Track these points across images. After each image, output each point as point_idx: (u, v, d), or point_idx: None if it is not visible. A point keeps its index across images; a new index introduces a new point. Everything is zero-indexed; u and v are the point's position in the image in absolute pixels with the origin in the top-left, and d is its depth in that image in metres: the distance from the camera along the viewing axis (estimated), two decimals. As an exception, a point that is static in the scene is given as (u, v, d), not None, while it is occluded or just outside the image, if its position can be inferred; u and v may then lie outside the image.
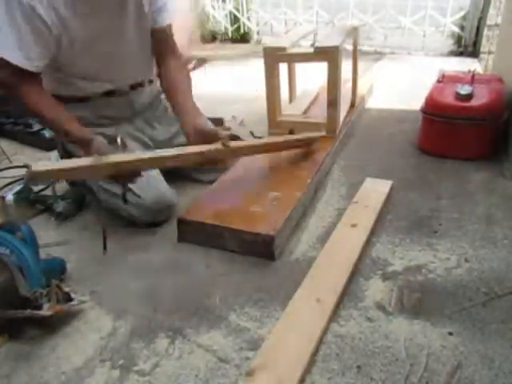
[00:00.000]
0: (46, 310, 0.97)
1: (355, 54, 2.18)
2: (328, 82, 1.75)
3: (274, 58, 1.77)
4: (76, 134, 1.26)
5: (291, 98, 2.25)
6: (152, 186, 1.38)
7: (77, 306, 1.05)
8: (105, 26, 1.30)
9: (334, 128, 1.82)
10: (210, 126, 1.41)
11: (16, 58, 1.20)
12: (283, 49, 1.75)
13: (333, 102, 1.77)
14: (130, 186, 1.30)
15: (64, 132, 1.28)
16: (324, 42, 1.78)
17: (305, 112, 2.08)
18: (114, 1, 1.29)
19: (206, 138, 1.31)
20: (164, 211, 1.40)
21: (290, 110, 2.07)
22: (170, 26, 1.46)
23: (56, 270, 1.16)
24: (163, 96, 1.61)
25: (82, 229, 1.42)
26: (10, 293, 0.97)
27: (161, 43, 1.46)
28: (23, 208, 1.48)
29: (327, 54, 1.68)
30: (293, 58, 1.92)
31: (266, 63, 1.79)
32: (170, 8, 1.42)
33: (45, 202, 1.50)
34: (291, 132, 1.89)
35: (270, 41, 1.89)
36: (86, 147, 1.22)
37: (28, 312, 0.96)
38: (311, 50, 1.73)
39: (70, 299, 1.04)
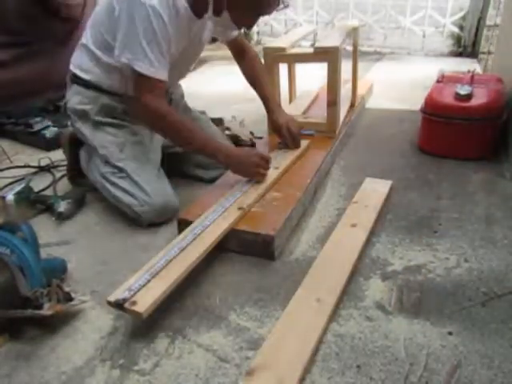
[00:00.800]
0: (47, 310, 0.97)
1: (355, 54, 2.18)
2: (328, 82, 1.75)
3: (273, 58, 1.77)
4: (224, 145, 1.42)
5: (291, 98, 2.26)
6: (161, 187, 1.40)
7: (77, 305, 1.05)
8: (186, 49, 1.40)
9: (334, 128, 1.82)
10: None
11: (158, 73, 1.26)
12: (283, 49, 1.75)
13: (333, 102, 1.77)
14: (142, 183, 1.37)
15: (214, 148, 1.37)
16: (324, 42, 1.78)
17: (305, 112, 2.08)
18: (200, 34, 1.41)
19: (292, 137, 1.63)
20: (168, 213, 1.41)
21: (290, 110, 2.07)
22: (239, 34, 1.62)
23: (57, 269, 1.16)
24: (173, 96, 1.65)
25: (83, 228, 1.42)
26: (10, 293, 0.97)
27: (235, 48, 1.66)
28: (24, 208, 1.48)
29: (327, 54, 1.68)
30: (293, 58, 1.92)
31: (266, 63, 1.79)
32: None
33: (45, 201, 1.50)
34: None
35: (269, 41, 1.88)
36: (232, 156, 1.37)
37: (29, 312, 0.96)
38: (311, 50, 1.73)
39: (70, 299, 1.04)
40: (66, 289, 1.04)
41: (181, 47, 1.35)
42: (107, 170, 1.42)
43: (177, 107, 1.63)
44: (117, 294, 0.98)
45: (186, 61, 1.49)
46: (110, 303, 0.97)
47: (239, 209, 1.28)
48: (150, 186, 1.37)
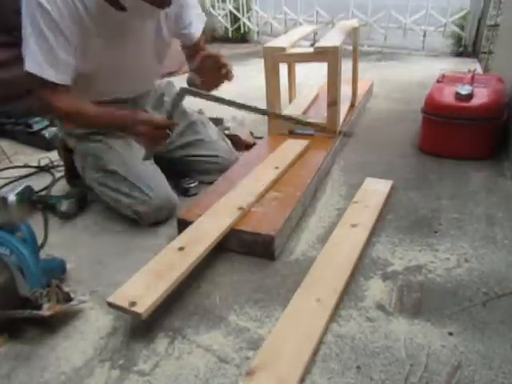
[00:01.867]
0: (46, 310, 0.97)
1: (355, 54, 2.18)
2: (328, 82, 1.75)
3: (274, 58, 1.77)
4: (121, 112, 1.29)
5: (291, 98, 2.25)
6: (158, 184, 1.39)
7: (77, 305, 1.05)
8: (121, 44, 1.32)
9: (334, 128, 1.82)
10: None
11: (48, 74, 1.20)
12: (283, 49, 1.75)
13: (333, 102, 1.77)
14: (137, 182, 1.37)
15: (110, 117, 1.30)
16: (324, 42, 1.78)
17: (305, 112, 2.08)
18: (134, 26, 1.31)
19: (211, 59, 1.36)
20: (168, 210, 1.41)
21: (290, 110, 2.07)
22: (199, 38, 1.50)
23: (56, 270, 1.16)
24: (166, 98, 1.64)
25: (83, 228, 1.42)
26: (9, 293, 0.97)
27: (192, 52, 1.50)
28: (25, 208, 1.48)
29: (327, 54, 1.68)
30: (293, 58, 1.92)
31: (266, 63, 1.79)
32: (197, 24, 1.47)
33: (47, 202, 1.50)
34: (291, 132, 1.90)
35: (269, 41, 1.88)
36: (135, 122, 1.25)
37: (28, 312, 0.96)
38: (311, 50, 1.73)
39: (69, 299, 1.04)
40: (66, 289, 1.04)
41: (107, 38, 1.27)
42: (101, 174, 1.42)
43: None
44: (117, 295, 0.98)
45: (134, 60, 1.39)
46: (110, 304, 0.97)
47: (239, 209, 1.28)
48: (146, 184, 1.37)
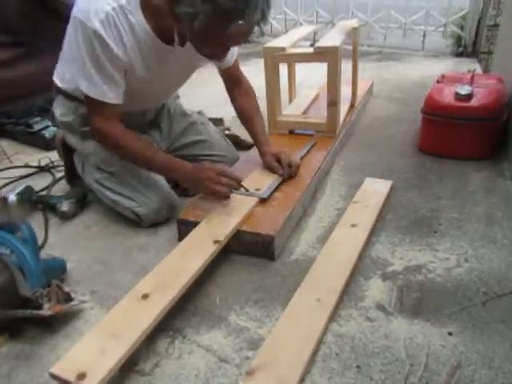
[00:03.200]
0: (46, 311, 0.97)
1: (355, 54, 2.18)
2: (328, 82, 1.75)
3: (274, 58, 1.77)
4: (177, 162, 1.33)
5: (291, 98, 2.25)
6: (157, 186, 1.39)
7: (77, 305, 1.05)
8: (161, 75, 1.33)
9: (334, 128, 1.82)
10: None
11: (109, 97, 1.22)
12: (283, 49, 1.75)
13: (333, 102, 1.77)
14: (137, 185, 1.38)
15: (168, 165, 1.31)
16: (324, 42, 1.78)
17: (305, 112, 2.08)
18: (179, 60, 1.32)
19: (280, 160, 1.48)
20: (168, 211, 1.41)
21: (290, 110, 2.07)
22: (235, 63, 1.52)
23: (56, 270, 1.16)
24: (170, 103, 1.64)
25: (83, 228, 1.42)
26: (10, 293, 0.97)
27: (228, 79, 1.54)
28: (25, 208, 1.48)
29: (327, 55, 1.68)
30: (293, 58, 1.92)
31: (266, 63, 1.79)
32: (232, 52, 1.46)
33: (47, 202, 1.50)
34: (291, 132, 1.90)
35: (269, 41, 1.88)
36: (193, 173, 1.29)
37: (28, 312, 0.96)
38: (311, 50, 1.73)
39: (70, 299, 1.04)
40: (66, 289, 1.04)
41: (150, 69, 1.28)
42: (101, 175, 1.41)
43: (169, 113, 1.62)
44: (62, 365, 0.82)
45: (165, 84, 1.42)
46: (53, 376, 0.81)
47: (215, 242, 1.17)
48: (145, 186, 1.38)
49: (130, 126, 1.46)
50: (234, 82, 1.54)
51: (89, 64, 1.18)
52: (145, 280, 1.04)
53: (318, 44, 1.74)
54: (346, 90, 2.06)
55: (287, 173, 1.46)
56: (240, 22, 1.04)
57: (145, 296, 0.98)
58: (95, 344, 0.86)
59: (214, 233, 1.20)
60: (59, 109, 1.44)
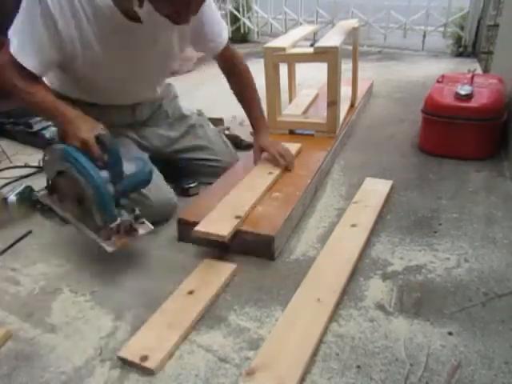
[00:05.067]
0: (110, 245, 1.09)
1: (355, 54, 2.18)
2: (328, 82, 1.75)
3: (274, 57, 1.77)
4: (66, 109, 1.20)
5: (291, 98, 2.25)
6: (156, 185, 1.39)
7: (142, 234, 1.15)
8: (128, 56, 1.30)
9: (334, 128, 1.82)
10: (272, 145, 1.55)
11: (30, 63, 1.16)
12: (283, 49, 1.75)
13: (333, 102, 1.77)
14: None
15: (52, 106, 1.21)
16: (324, 42, 1.78)
17: (305, 112, 2.08)
18: (146, 39, 1.27)
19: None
20: (166, 211, 1.41)
21: (290, 110, 2.07)
22: (227, 48, 1.48)
23: (140, 183, 1.21)
24: (165, 102, 1.62)
25: (82, 229, 1.42)
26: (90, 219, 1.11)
27: (223, 65, 1.52)
28: (26, 208, 1.48)
29: (327, 54, 1.68)
30: (293, 58, 1.92)
31: (266, 63, 1.79)
32: (219, 38, 1.44)
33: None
34: (291, 132, 1.90)
35: (270, 41, 1.88)
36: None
37: (98, 239, 1.11)
38: (311, 50, 1.73)
39: (135, 229, 1.14)
40: (136, 225, 1.15)
41: (109, 45, 1.23)
42: None
43: (167, 115, 1.61)
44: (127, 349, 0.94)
45: (137, 69, 1.36)
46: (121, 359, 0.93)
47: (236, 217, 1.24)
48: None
49: (121, 125, 1.46)
50: (229, 68, 1.53)
51: (21, 18, 1.15)
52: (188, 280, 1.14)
53: (318, 44, 1.74)
54: (346, 90, 2.06)
55: (283, 164, 1.51)
56: None
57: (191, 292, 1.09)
58: (153, 333, 0.98)
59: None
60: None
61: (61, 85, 1.38)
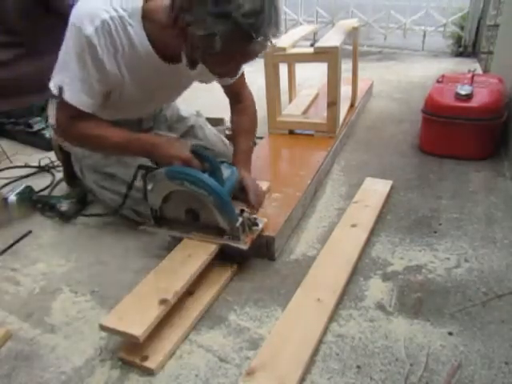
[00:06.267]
0: (244, 244, 1.12)
1: (355, 54, 2.18)
2: (328, 82, 1.75)
3: (273, 57, 1.77)
4: (148, 137, 1.23)
5: (291, 98, 2.25)
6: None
7: (261, 228, 1.18)
8: (155, 90, 1.29)
9: (334, 128, 1.82)
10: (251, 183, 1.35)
11: (89, 106, 1.15)
12: (283, 49, 1.75)
13: (333, 102, 1.77)
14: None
15: (134, 142, 1.20)
16: (324, 42, 1.78)
17: (305, 112, 2.08)
18: (178, 77, 1.24)
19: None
20: None
21: (289, 110, 2.07)
22: (239, 79, 1.41)
23: (235, 183, 1.22)
24: (168, 108, 1.62)
25: (83, 228, 1.42)
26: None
27: (231, 94, 1.46)
28: (26, 208, 1.48)
29: (327, 54, 1.68)
30: (293, 58, 1.92)
31: (266, 63, 1.78)
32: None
33: (47, 202, 1.50)
34: (291, 132, 1.89)
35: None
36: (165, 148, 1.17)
37: (232, 243, 1.13)
38: (311, 50, 1.73)
39: (256, 223, 1.17)
40: (253, 217, 1.18)
41: (143, 86, 1.22)
42: (98, 177, 1.41)
43: (166, 119, 1.60)
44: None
45: (157, 97, 1.38)
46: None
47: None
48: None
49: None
50: (236, 98, 1.47)
51: (73, 64, 1.10)
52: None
53: (318, 44, 1.74)
54: (346, 90, 2.06)
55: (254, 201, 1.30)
56: (258, 39, 0.98)
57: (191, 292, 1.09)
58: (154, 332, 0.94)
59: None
60: (52, 112, 1.44)
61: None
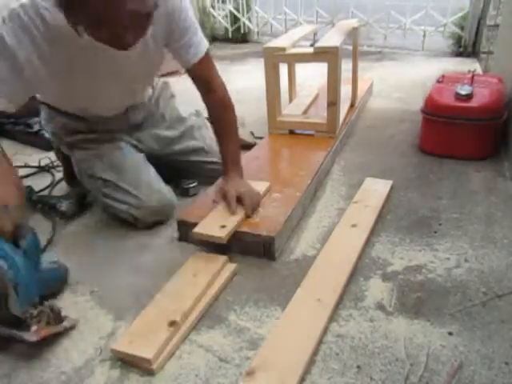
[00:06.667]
0: (32, 335, 0.92)
1: (355, 54, 2.18)
2: (328, 82, 1.74)
3: (273, 57, 1.77)
4: None
5: (291, 98, 2.25)
6: (152, 186, 1.39)
7: (66, 328, 1.00)
8: (96, 68, 1.20)
9: (334, 128, 1.82)
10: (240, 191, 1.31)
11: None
12: (283, 49, 1.75)
13: (332, 102, 1.77)
14: (129, 188, 1.35)
15: None
16: (324, 42, 1.78)
17: (305, 112, 2.08)
18: (107, 52, 1.06)
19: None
20: (165, 212, 1.41)
21: (290, 110, 2.07)
22: (202, 62, 1.31)
23: (57, 280, 1.14)
24: (161, 103, 1.60)
25: (83, 228, 1.42)
26: (2, 309, 0.92)
27: (198, 82, 1.35)
28: (25, 208, 1.48)
29: (327, 55, 1.68)
30: (293, 58, 1.91)
31: (266, 63, 1.78)
32: (196, 48, 1.29)
33: (47, 202, 1.50)
34: (291, 132, 1.89)
35: (270, 41, 1.88)
36: None
37: (13, 333, 0.92)
38: (311, 50, 1.73)
39: (61, 319, 1.00)
40: (57, 310, 1.00)
41: (76, 65, 1.16)
42: (94, 181, 1.41)
43: (163, 118, 1.59)
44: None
45: (114, 78, 1.27)
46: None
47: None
48: (139, 189, 1.36)
49: (114, 130, 1.45)
50: (205, 87, 1.35)
51: None
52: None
53: (318, 44, 1.74)
54: (346, 90, 2.06)
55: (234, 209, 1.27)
56: None
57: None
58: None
59: None
60: (42, 115, 1.45)
61: (49, 95, 1.35)
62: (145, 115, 1.55)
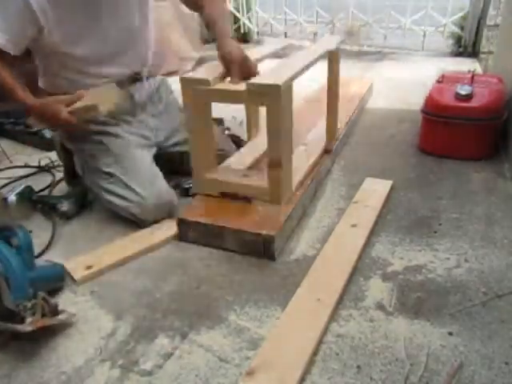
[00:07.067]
0: (27, 325, 0.91)
1: (331, 82, 1.61)
2: (269, 135, 1.23)
3: (194, 95, 1.25)
4: (23, 95, 1.28)
5: (249, 137, 1.76)
6: (153, 184, 1.39)
7: (64, 320, 1.00)
8: (100, 10, 1.29)
9: (279, 196, 1.30)
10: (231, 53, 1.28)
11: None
12: (206, 82, 1.22)
13: (276, 162, 1.24)
14: (131, 183, 1.35)
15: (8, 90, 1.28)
16: (265, 76, 1.24)
17: (256, 163, 1.56)
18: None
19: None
20: (165, 210, 1.40)
21: (235, 159, 1.57)
22: None
23: (52, 278, 1.13)
24: (164, 94, 1.60)
25: (83, 228, 1.42)
26: None
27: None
28: (25, 208, 1.48)
29: (264, 97, 1.16)
30: (216, 97, 1.27)
31: (184, 102, 1.29)
32: None
33: (47, 202, 1.50)
34: (223, 195, 1.38)
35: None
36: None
37: (9, 325, 0.91)
38: (242, 86, 1.18)
39: (57, 312, 0.99)
40: (53, 301, 0.99)
41: (85, 9, 1.27)
42: (98, 176, 1.41)
43: (166, 107, 1.59)
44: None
45: (116, 19, 1.35)
46: None
47: None
48: (141, 186, 1.36)
49: (121, 111, 1.43)
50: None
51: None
52: None
53: (253, 79, 1.22)
54: (345, 91, 2.00)
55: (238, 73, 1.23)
56: None
57: None
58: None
59: None
60: None
61: (48, 82, 1.39)
62: (147, 98, 1.53)
